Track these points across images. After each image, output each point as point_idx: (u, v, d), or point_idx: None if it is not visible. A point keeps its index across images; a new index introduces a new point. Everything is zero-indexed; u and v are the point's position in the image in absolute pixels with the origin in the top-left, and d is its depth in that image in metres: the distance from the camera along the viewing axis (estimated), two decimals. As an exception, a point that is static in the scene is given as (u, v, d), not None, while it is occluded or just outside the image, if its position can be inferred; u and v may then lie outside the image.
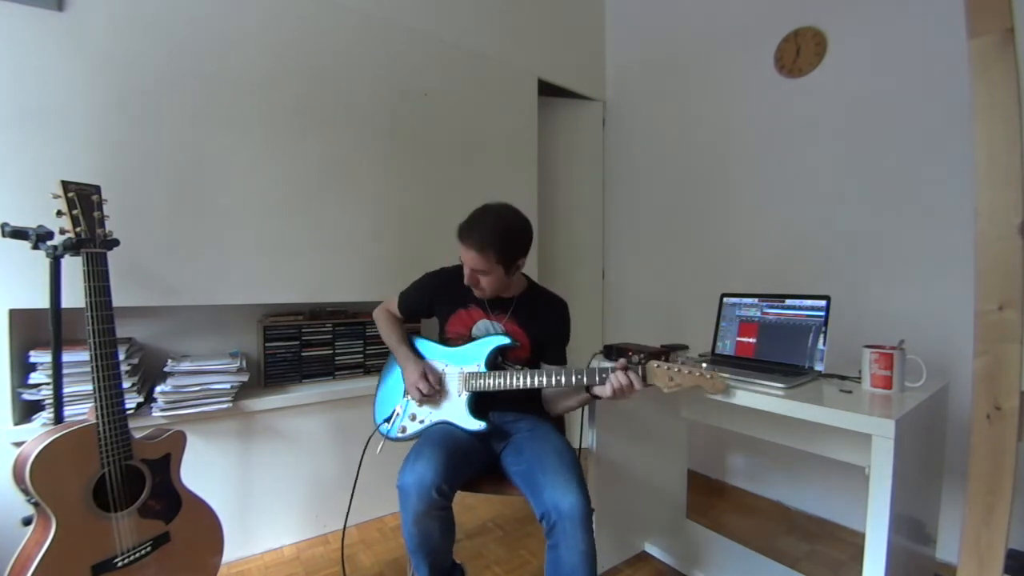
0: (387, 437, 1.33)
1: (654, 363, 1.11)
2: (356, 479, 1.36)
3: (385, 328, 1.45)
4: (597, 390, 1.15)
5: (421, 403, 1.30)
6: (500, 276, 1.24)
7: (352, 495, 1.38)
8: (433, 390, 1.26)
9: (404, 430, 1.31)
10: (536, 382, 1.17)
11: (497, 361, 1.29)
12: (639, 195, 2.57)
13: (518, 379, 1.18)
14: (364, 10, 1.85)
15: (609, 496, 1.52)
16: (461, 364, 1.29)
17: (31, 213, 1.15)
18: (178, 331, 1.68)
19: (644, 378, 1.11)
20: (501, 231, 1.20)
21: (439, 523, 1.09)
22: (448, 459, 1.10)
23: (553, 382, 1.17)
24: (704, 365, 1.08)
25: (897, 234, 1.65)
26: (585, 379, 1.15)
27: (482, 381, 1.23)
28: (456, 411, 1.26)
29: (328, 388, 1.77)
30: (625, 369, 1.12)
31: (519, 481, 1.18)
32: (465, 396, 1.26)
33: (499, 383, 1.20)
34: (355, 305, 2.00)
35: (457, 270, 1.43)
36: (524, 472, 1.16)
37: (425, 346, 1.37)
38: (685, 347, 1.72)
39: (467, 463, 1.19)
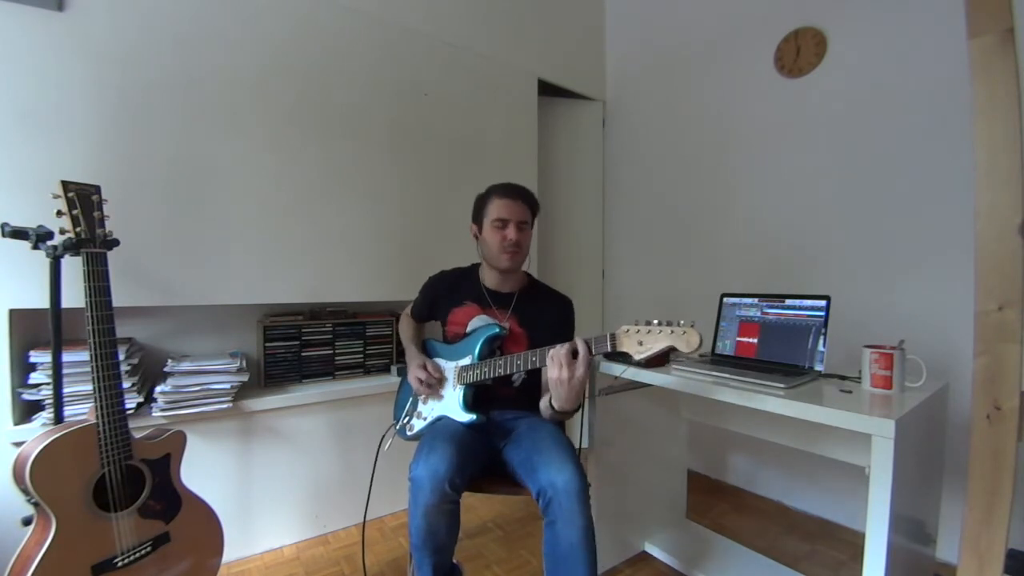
0: (401, 436, 1.38)
1: (623, 328, 1.05)
2: (373, 473, 1.39)
3: (402, 331, 1.53)
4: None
5: (421, 393, 1.33)
6: (530, 235, 1.34)
7: (370, 488, 1.43)
8: (432, 378, 1.30)
9: (412, 428, 1.35)
10: (516, 366, 1.18)
11: (495, 355, 1.30)
12: (639, 195, 2.57)
13: (500, 366, 1.21)
14: (364, 10, 1.85)
15: (609, 496, 1.52)
16: (456, 359, 1.32)
17: (31, 213, 1.15)
18: (178, 331, 1.68)
19: (613, 347, 1.05)
20: (525, 187, 1.35)
21: (447, 518, 1.09)
22: (459, 454, 1.10)
23: (531, 363, 1.15)
24: (681, 322, 1.01)
25: (897, 234, 1.65)
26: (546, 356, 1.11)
27: (471, 372, 1.26)
28: (451, 405, 1.28)
29: (328, 388, 1.77)
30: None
31: (519, 471, 1.18)
32: (460, 389, 1.28)
33: (485, 371, 1.23)
34: (355, 305, 2.00)
35: (455, 272, 1.46)
36: (522, 460, 1.17)
37: (432, 346, 1.43)
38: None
39: (474, 459, 1.19)
